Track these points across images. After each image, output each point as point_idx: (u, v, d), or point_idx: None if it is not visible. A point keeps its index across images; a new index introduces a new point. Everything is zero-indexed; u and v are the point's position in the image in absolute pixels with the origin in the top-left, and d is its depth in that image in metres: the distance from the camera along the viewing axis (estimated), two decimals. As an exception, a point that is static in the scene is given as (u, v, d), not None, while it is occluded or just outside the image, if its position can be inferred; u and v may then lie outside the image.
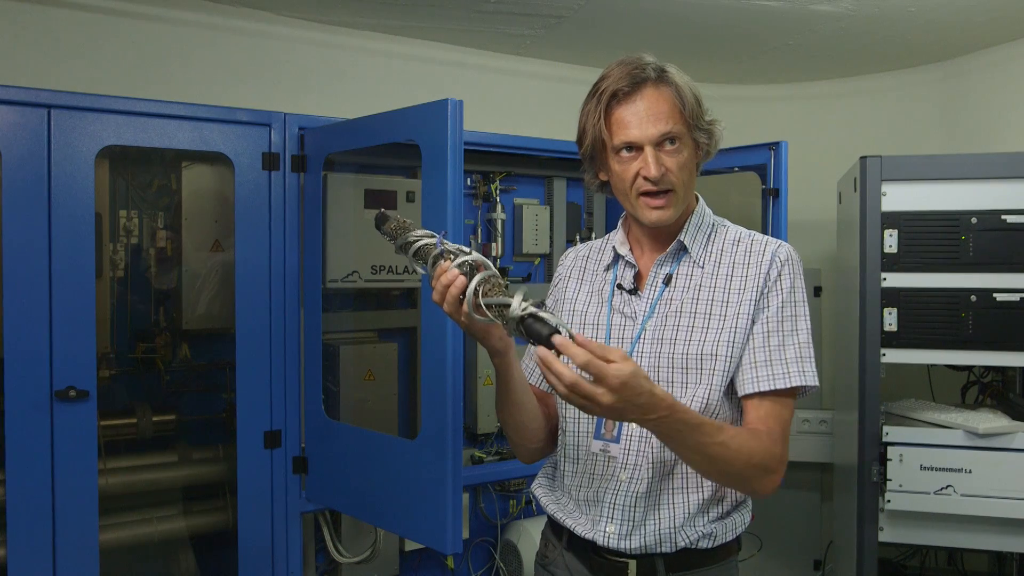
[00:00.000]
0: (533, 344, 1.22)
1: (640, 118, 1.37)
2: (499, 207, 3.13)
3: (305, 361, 2.50)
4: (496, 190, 3.14)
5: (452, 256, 1.31)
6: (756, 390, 1.37)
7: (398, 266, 2.80)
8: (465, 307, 1.27)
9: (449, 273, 1.27)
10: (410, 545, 2.94)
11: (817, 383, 1.40)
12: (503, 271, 3.16)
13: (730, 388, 1.41)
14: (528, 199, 3.27)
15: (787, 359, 1.38)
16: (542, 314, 1.21)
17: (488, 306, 1.26)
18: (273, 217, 2.44)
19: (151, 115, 2.28)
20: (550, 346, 1.17)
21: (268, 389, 2.44)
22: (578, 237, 3.31)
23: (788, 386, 1.37)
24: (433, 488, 2.10)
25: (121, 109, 2.24)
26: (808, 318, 1.42)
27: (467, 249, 1.32)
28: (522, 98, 3.46)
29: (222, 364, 2.75)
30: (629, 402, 1.16)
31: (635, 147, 1.38)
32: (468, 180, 3.12)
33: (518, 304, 1.22)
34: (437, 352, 2.09)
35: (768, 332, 1.39)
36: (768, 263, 1.41)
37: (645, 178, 1.37)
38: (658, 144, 1.37)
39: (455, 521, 2.07)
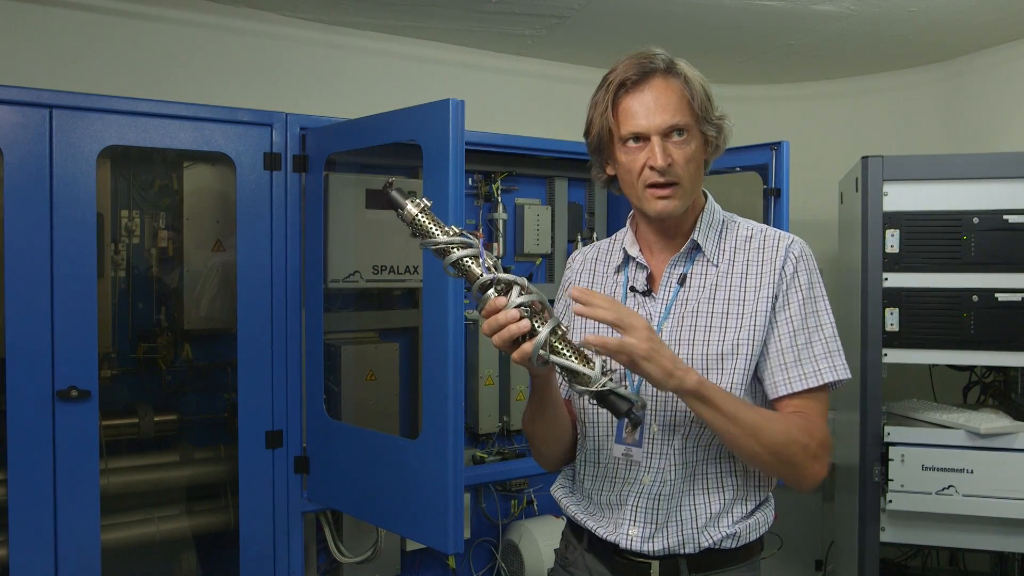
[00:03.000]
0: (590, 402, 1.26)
1: (648, 108, 1.35)
2: (500, 207, 3.13)
3: (306, 361, 2.50)
4: (498, 190, 3.13)
5: (503, 287, 1.25)
6: (789, 391, 1.36)
7: (400, 266, 2.80)
8: (531, 359, 1.23)
9: (508, 313, 1.22)
10: (411, 545, 2.94)
11: (848, 375, 1.39)
12: (504, 271, 3.15)
13: (751, 387, 1.40)
14: (530, 199, 3.27)
15: (816, 356, 1.37)
16: (621, 390, 1.21)
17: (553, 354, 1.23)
18: (274, 217, 2.44)
19: (152, 115, 2.28)
20: (622, 417, 1.21)
21: (270, 389, 2.44)
22: (579, 237, 3.31)
23: (820, 383, 1.36)
24: (434, 488, 2.10)
25: (123, 109, 2.24)
26: (830, 311, 1.41)
27: (524, 282, 1.26)
28: (524, 98, 3.46)
29: (223, 364, 2.75)
30: (660, 344, 1.23)
31: (642, 137, 1.36)
32: (469, 180, 3.11)
33: (598, 377, 1.21)
34: (438, 352, 2.09)
35: (794, 331, 1.38)
36: (783, 259, 1.40)
37: (652, 168, 1.35)
38: (665, 135, 1.35)
39: (456, 521, 2.07)
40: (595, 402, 1.24)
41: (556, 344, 1.24)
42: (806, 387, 1.36)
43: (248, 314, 2.40)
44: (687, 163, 1.37)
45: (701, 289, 1.42)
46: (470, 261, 1.26)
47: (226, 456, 2.68)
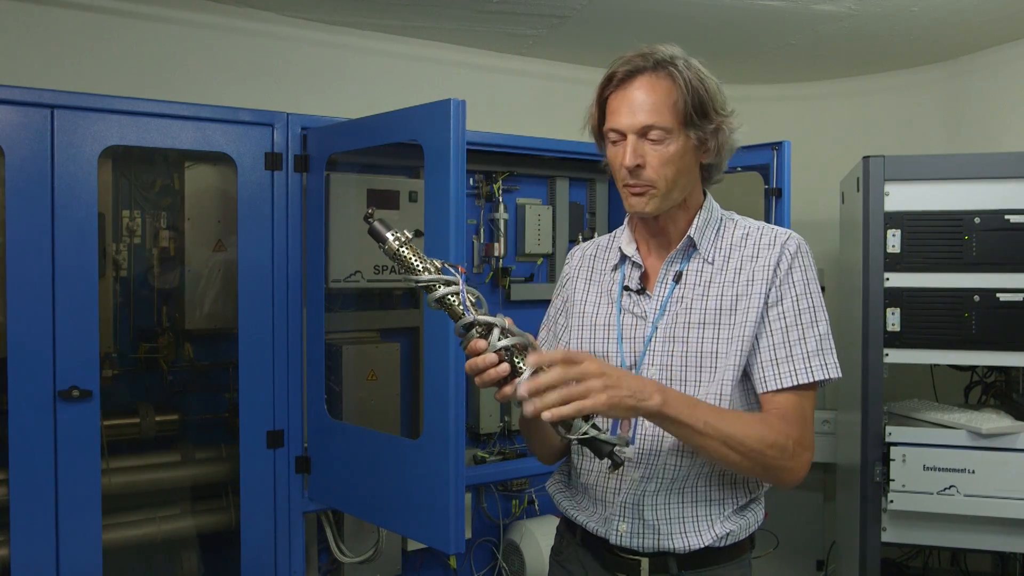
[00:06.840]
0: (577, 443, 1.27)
1: (628, 106, 1.36)
2: (502, 207, 3.13)
3: (308, 361, 2.50)
4: (499, 190, 3.13)
5: (484, 329, 1.23)
6: (778, 387, 1.36)
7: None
8: (512, 398, 1.23)
9: (487, 357, 1.22)
10: (413, 545, 2.94)
11: (839, 374, 1.38)
12: (505, 271, 3.16)
13: (743, 383, 1.40)
14: (531, 199, 3.27)
15: (808, 352, 1.36)
16: (601, 436, 1.23)
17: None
18: (276, 217, 2.44)
19: (154, 115, 2.29)
20: (604, 458, 1.24)
21: (271, 389, 2.44)
22: (580, 237, 3.31)
23: (810, 380, 1.36)
24: (435, 488, 2.10)
25: (124, 109, 2.24)
26: (824, 309, 1.40)
27: (505, 323, 1.24)
28: (525, 98, 3.45)
29: (225, 364, 2.76)
30: (618, 374, 1.22)
31: (620, 135, 1.37)
32: (470, 180, 3.11)
33: (579, 424, 1.22)
34: (439, 352, 2.09)
35: (786, 327, 1.37)
36: (777, 256, 1.39)
37: (623, 166, 1.37)
38: (641, 135, 1.35)
39: (457, 521, 2.07)
40: (577, 444, 1.28)
41: None
42: (795, 383, 1.36)
43: (249, 314, 2.40)
44: (662, 165, 1.36)
45: (696, 286, 1.43)
46: (453, 298, 1.26)
47: (227, 456, 2.69)
